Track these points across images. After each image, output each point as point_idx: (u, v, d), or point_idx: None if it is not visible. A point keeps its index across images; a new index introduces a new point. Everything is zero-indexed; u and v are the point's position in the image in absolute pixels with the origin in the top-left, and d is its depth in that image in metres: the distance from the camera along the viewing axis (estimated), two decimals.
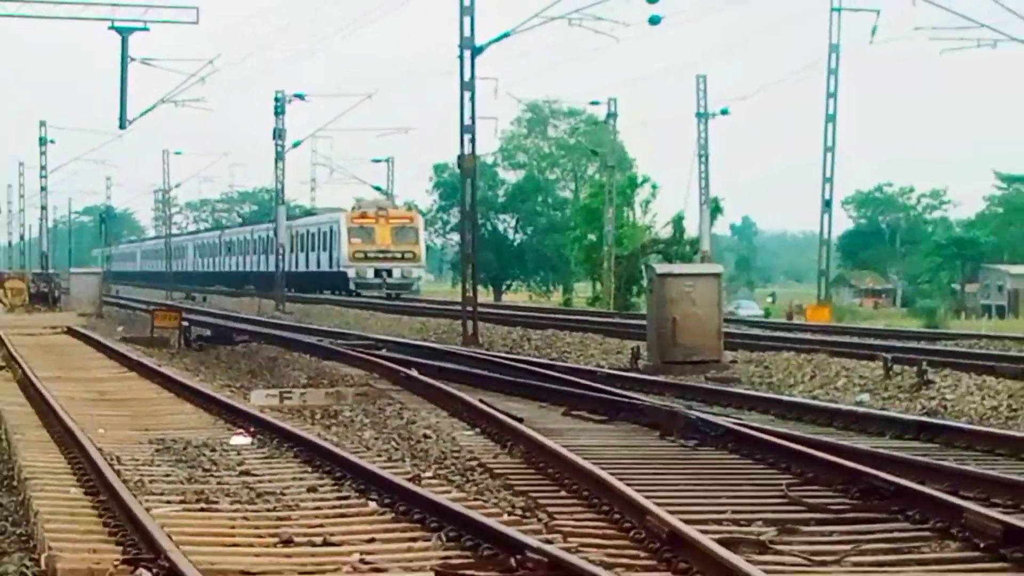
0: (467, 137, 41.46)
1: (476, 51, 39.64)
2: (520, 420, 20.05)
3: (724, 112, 69.00)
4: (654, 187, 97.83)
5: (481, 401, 23.10)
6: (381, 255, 57.87)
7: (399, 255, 58.72)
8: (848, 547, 11.64)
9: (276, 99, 74.30)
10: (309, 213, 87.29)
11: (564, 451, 16.91)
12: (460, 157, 42.70)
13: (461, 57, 39.71)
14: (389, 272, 57.88)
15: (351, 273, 57.96)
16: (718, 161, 72.44)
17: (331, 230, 64.68)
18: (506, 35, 41.27)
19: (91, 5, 45.40)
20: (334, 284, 61.40)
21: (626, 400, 23.87)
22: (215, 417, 23.71)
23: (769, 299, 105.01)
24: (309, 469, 17.00)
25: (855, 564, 11.04)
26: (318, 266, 68.23)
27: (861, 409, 23.17)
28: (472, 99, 40.30)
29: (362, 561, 10.84)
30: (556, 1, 38.58)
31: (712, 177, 73.42)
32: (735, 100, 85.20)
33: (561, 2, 38.79)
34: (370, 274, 57.64)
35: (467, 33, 39.96)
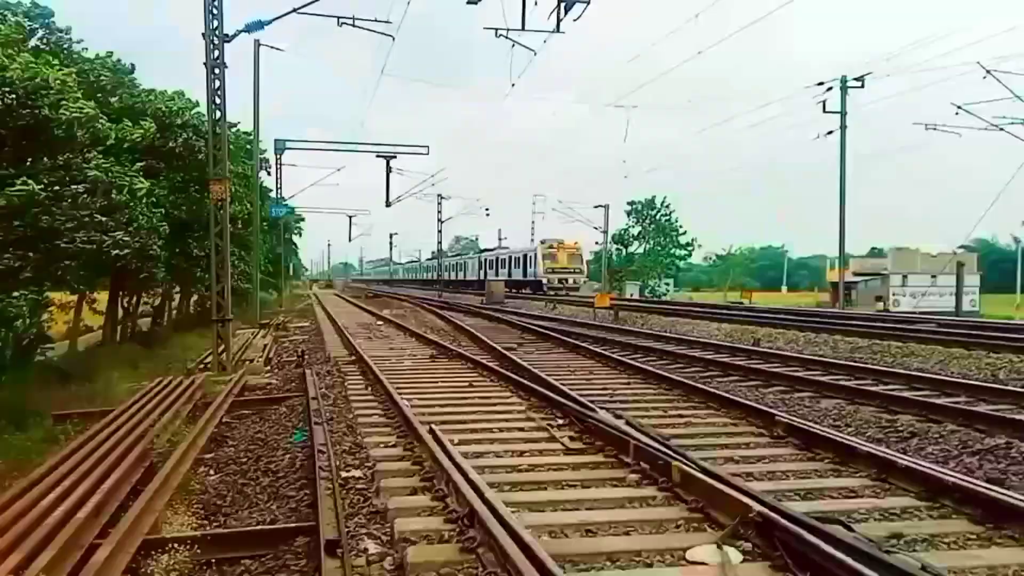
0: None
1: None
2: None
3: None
4: None
5: (446, 316, 26.25)
6: (562, 270, 48.78)
7: (572, 270, 49.26)
8: (543, 347, 15.02)
9: None
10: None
11: (462, 324, 20.51)
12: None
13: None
14: (566, 280, 48.67)
15: (544, 281, 48.41)
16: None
17: (526, 256, 52.60)
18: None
19: None
20: (533, 287, 50.03)
21: (482, 312, 27.38)
22: (374, 317, 27.46)
23: None
24: (397, 331, 20.25)
25: (532, 350, 14.44)
26: (522, 276, 53.82)
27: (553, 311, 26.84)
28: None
29: (411, 354, 14.19)
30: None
31: None
32: None
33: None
34: (556, 281, 48.13)
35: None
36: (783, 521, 4.21)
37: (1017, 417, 7.74)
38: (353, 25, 15.52)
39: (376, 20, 15.50)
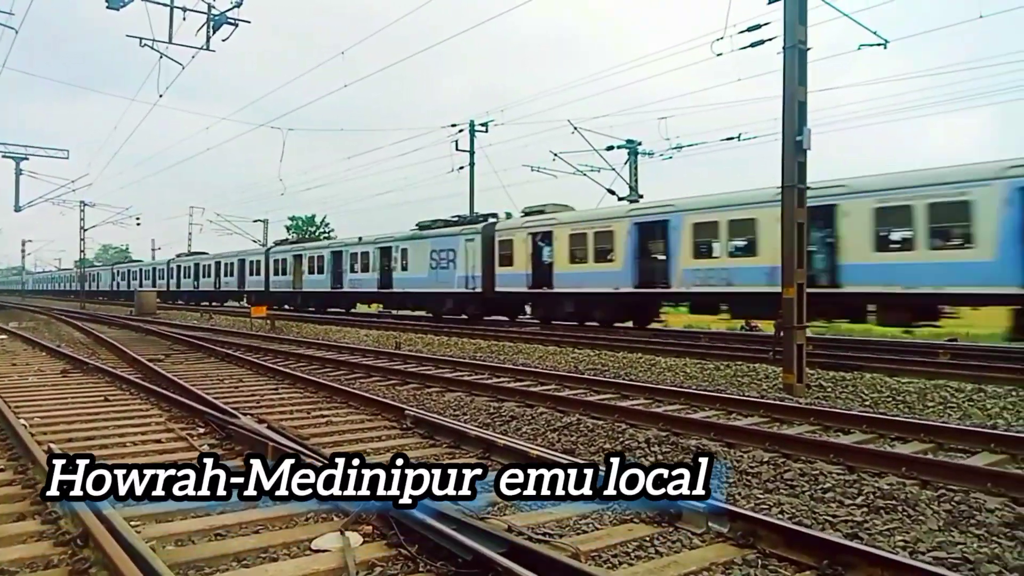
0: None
1: None
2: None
3: None
4: None
5: (87, 328, 23.39)
6: None
7: None
8: (193, 357, 14.02)
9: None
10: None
11: (104, 336, 18.49)
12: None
13: None
14: None
15: None
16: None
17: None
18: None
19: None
20: None
21: (130, 324, 25.07)
22: None
23: None
24: (25, 345, 17.30)
25: (180, 361, 13.60)
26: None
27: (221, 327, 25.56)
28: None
29: (38, 370, 12.14)
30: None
31: None
32: None
33: None
34: None
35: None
36: None
37: (588, 399, 8.97)
38: None
39: None
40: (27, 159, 30.62)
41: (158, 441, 6.95)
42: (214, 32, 12.35)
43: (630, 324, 21.15)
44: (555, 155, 26.80)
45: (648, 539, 4.31)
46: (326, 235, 68.80)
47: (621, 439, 6.95)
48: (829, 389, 10.39)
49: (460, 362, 13.17)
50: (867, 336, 19.15)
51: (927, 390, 9.82)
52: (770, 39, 14.17)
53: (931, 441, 6.79)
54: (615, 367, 12.96)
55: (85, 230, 46.83)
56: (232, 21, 12.14)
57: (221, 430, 7.04)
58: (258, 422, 7.22)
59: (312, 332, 22.60)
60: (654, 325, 21.91)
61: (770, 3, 10.81)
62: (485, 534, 3.92)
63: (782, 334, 10.50)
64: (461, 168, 33.03)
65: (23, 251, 77.47)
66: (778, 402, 8.64)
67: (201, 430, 7.34)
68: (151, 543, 3.94)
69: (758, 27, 14.35)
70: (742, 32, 14.81)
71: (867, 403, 9.41)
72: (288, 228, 69.71)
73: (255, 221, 47.84)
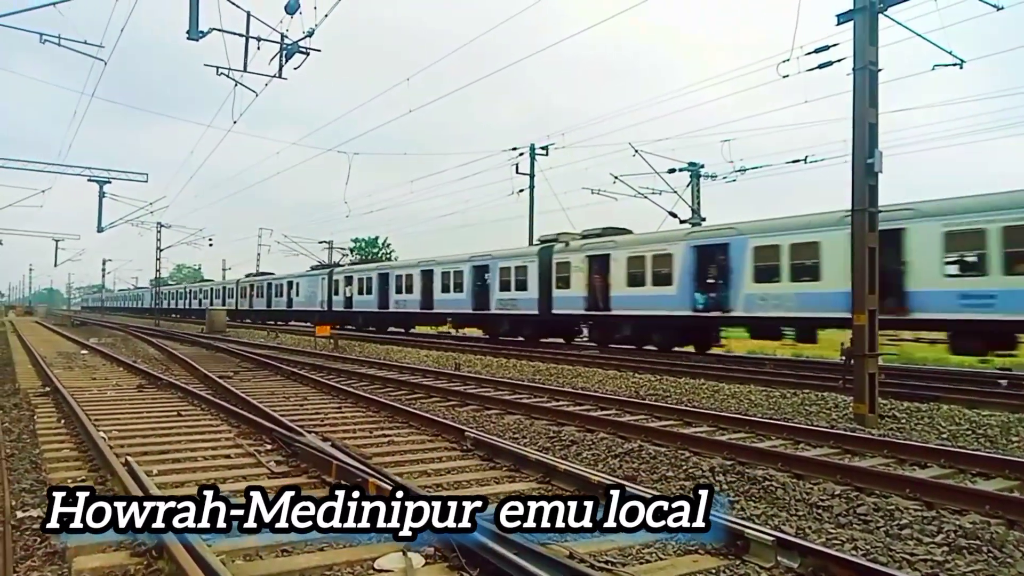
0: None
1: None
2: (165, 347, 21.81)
3: None
4: None
5: (161, 344, 24.29)
6: None
7: None
8: (260, 375, 14.79)
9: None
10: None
11: (176, 353, 19.23)
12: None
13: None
14: None
15: None
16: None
17: None
18: None
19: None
20: None
21: (201, 341, 25.81)
22: (78, 346, 24.52)
23: None
24: (103, 360, 18.30)
25: (249, 378, 14.09)
26: None
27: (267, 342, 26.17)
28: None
29: (116, 384, 12.70)
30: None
31: None
32: None
33: None
34: None
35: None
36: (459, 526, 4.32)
37: (649, 425, 8.82)
38: (59, 44, 13.57)
39: (86, 43, 13.69)
40: (110, 182, 32.06)
41: (227, 456, 7.12)
42: (286, 61, 12.84)
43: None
44: (616, 178, 26.68)
45: (714, 571, 4.19)
46: (386, 256, 70.06)
47: (684, 467, 6.79)
48: (903, 420, 9.97)
49: (519, 384, 13.15)
50: (943, 365, 18.30)
51: (1011, 424, 9.30)
52: (839, 60, 13.85)
53: (1017, 479, 6.42)
54: (677, 393, 12.72)
55: (161, 250, 48.85)
56: (304, 50, 12.59)
57: (287, 447, 7.18)
58: (322, 440, 7.36)
59: (374, 352, 22.94)
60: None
61: (840, 24, 10.57)
62: (547, 560, 3.88)
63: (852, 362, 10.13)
64: (521, 191, 33.20)
65: (103, 270, 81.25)
66: (849, 433, 8.32)
67: (268, 447, 7.49)
68: (221, 557, 4.04)
69: (826, 48, 14.05)
70: (809, 54, 14.52)
71: (945, 436, 8.98)
72: (351, 250, 71.38)
73: (320, 243, 49.09)
